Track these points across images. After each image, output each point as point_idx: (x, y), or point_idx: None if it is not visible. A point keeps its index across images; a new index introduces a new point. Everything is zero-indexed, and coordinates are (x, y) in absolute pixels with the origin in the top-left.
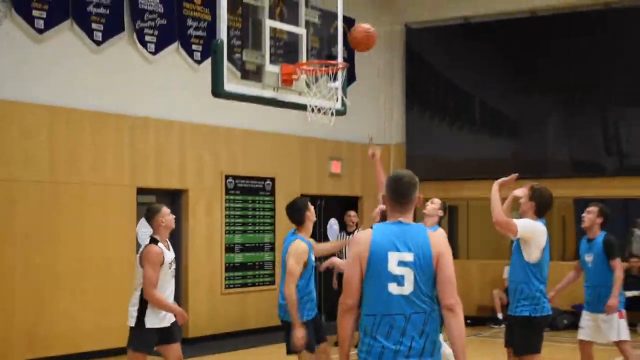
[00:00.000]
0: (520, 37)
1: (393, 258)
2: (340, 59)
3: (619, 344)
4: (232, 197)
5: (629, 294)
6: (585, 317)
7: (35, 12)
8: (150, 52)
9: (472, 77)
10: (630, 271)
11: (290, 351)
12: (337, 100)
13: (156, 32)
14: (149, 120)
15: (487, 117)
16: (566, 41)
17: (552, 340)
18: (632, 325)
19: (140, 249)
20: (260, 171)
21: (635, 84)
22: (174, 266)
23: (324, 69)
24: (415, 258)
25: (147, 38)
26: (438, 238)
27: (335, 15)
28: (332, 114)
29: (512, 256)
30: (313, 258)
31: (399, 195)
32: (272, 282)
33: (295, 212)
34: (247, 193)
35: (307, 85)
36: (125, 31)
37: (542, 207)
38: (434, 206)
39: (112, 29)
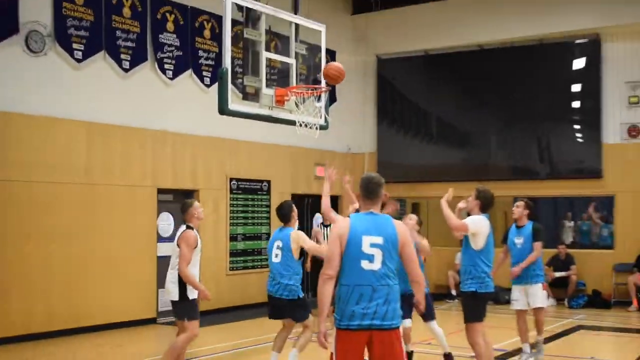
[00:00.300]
0: (470, 65)
1: (366, 240)
2: (323, 84)
3: (536, 310)
4: (235, 196)
5: (558, 274)
6: (515, 290)
7: (74, 45)
8: (168, 78)
9: (430, 98)
10: (559, 256)
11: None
12: (321, 117)
13: (173, 62)
14: (167, 133)
15: (443, 131)
16: (507, 69)
17: (495, 312)
18: (560, 300)
19: (178, 234)
20: (258, 175)
21: (562, 105)
22: (201, 252)
23: (310, 92)
24: (384, 241)
25: (166, 66)
26: (402, 227)
27: (319, 48)
28: (316, 128)
29: (462, 245)
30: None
31: (370, 192)
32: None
33: (284, 213)
34: (248, 192)
35: (296, 105)
36: (148, 60)
37: (485, 205)
38: (412, 222)
39: (138, 59)
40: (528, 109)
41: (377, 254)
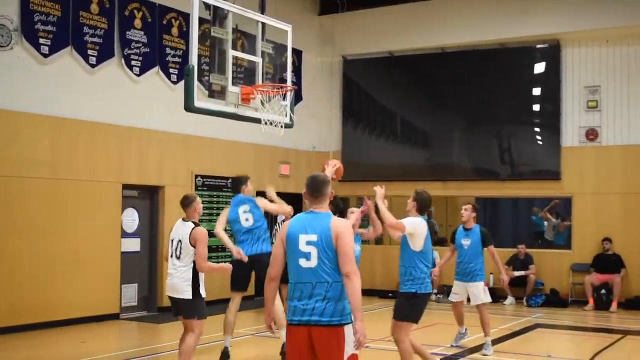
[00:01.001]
0: (433, 67)
1: (302, 239)
2: (289, 83)
3: (479, 307)
4: (200, 192)
5: (517, 273)
6: (457, 285)
7: (41, 40)
8: (135, 74)
9: (394, 99)
10: (518, 255)
11: None
12: (286, 116)
13: (140, 58)
14: (133, 129)
15: (406, 131)
16: (469, 71)
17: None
18: (518, 298)
19: (189, 232)
20: (223, 172)
21: (522, 108)
22: None
23: (276, 90)
24: (318, 239)
25: (133, 62)
26: (338, 222)
27: (286, 47)
28: (281, 126)
29: (401, 246)
30: None
31: (314, 190)
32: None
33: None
34: (213, 189)
35: (262, 103)
36: (115, 56)
37: (422, 206)
38: (354, 215)
39: (105, 55)
40: (490, 111)
41: (313, 252)
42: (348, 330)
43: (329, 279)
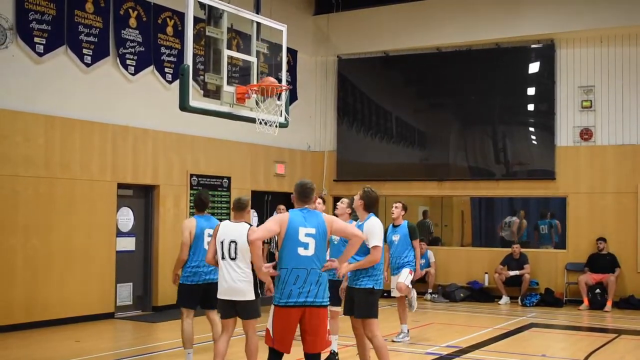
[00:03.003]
0: (428, 67)
1: (302, 231)
2: (284, 83)
3: (402, 297)
4: (195, 192)
5: (512, 273)
6: (394, 280)
7: (36, 39)
8: (130, 73)
9: (390, 98)
10: (513, 255)
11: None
12: (281, 115)
13: (135, 57)
14: (128, 128)
15: (402, 130)
16: (464, 71)
17: (451, 310)
18: (513, 298)
19: (247, 232)
20: (219, 171)
21: (518, 108)
22: None
23: (271, 90)
24: (316, 232)
25: (128, 62)
26: (330, 217)
27: (281, 47)
28: (276, 126)
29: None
30: None
31: (305, 195)
32: None
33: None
34: (208, 188)
35: (257, 102)
36: (110, 56)
37: (369, 204)
38: (342, 205)
39: (100, 54)
40: (485, 111)
41: (311, 243)
42: (327, 310)
43: (321, 267)
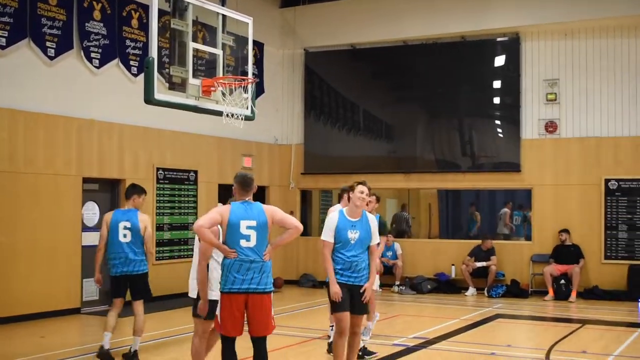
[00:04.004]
0: (395, 60)
1: (243, 224)
2: (250, 75)
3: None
4: (162, 186)
5: (479, 264)
6: None
7: None
8: (95, 66)
9: (357, 91)
10: (481, 246)
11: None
12: (247, 108)
13: (100, 50)
14: (93, 122)
15: (369, 123)
16: (431, 64)
17: (418, 302)
18: (480, 289)
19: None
20: (185, 164)
21: (484, 101)
22: None
23: (237, 82)
24: (257, 224)
25: (92, 55)
26: (271, 208)
27: (247, 40)
28: (242, 119)
29: None
30: None
31: (245, 186)
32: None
33: None
34: (174, 182)
35: (223, 95)
36: (74, 49)
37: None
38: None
39: (63, 47)
40: (451, 104)
41: (252, 235)
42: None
43: (261, 256)
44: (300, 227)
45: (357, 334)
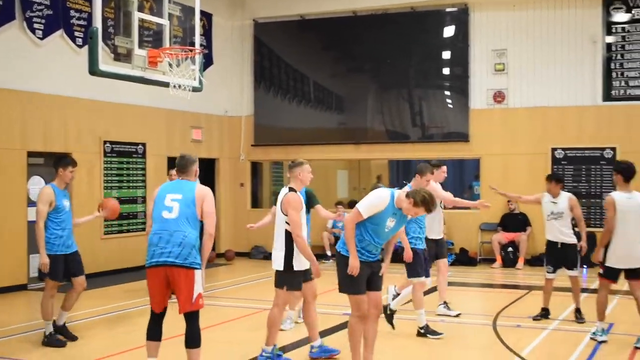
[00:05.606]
0: (344, 31)
1: (168, 197)
2: (197, 46)
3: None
4: (109, 159)
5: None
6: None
7: None
8: (38, 38)
9: (307, 62)
10: None
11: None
12: (195, 79)
13: (43, 21)
14: (37, 95)
15: (319, 94)
16: (380, 35)
17: None
18: None
19: (280, 197)
20: (133, 137)
21: (433, 72)
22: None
23: (183, 53)
24: (182, 197)
25: (35, 25)
26: (202, 189)
27: (194, 10)
28: (190, 90)
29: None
30: None
31: (182, 167)
32: (144, 229)
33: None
34: (123, 155)
35: (170, 66)
36: (16, 19)
37: None
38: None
39: (4, 18)
40: (401, 75)
41: (175, 206)
42: (197, 274)
43: (185, 231)
44: (212, 233)
45: (377, 317)
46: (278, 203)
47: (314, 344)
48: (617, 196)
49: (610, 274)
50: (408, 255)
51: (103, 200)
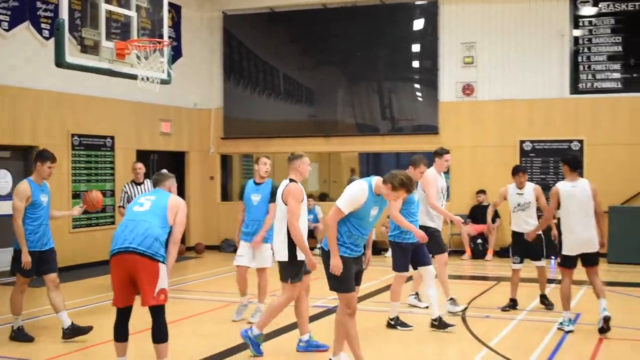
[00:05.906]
0: (314, 23)
1: (143, 198)
2: (166, 38)
3: (261, 270)
4: (77, 152)
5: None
6: (244, 246)
7: None
8: (4, 29)
9: (277, 55)
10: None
11: None
12: (163, 72)
13: (9, 13)
14: (3, 87)
15: (289, 87)
16: (350, 28)
17: None
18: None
19: (281, 188)
20: (102, 130)
21: (403, 64)
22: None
23: (152, 45)
24: (155, 199)
25: (1, 17)
26: (177, 199)
27: (162, 2)
28: (158, 82)
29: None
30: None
31: (157, 181)
32: (113, 223)
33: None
34: (91, 149)
35: (138, 58)
36: None
37: None
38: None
39: None
40: (371, 68)
41: (147, 203)
42: (162, 269)
43: (151, 222)
44: (178, 241)
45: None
46: (279, 195)
47: (302, 337)
48: (562, 186)
49: (567, 262)
50: (421, 234)
51: (86, 194)
